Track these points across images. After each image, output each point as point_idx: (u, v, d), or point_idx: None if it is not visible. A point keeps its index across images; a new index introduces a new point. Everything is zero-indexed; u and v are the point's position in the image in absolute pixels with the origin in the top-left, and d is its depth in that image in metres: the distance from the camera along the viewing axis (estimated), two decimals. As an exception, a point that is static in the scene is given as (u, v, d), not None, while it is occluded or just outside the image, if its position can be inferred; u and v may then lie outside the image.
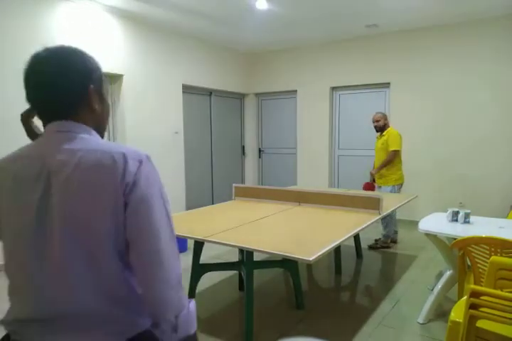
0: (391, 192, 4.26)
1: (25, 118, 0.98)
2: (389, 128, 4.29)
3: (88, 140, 0.83)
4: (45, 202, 0.76)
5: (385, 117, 4.32)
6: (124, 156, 0.78)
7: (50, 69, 0.81)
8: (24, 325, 0.80)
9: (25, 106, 0.93)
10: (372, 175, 4.49)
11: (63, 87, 0.82)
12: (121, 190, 0.76)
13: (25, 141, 1.00)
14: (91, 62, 0.88)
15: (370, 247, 4.37)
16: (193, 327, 0.82)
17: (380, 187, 4.40)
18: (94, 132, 0.88)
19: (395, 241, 4.52)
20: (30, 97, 0.85)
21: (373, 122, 4.34)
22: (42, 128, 0.90)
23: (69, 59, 0.83)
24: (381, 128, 4.30)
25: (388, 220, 4.27)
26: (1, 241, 0.84)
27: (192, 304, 0.84)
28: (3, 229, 0.82)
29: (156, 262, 0.78)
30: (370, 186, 4.52)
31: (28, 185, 0.78)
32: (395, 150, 4.17)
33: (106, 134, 4.91)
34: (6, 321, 0.83)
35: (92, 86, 0.86)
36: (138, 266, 0.79)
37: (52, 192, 0.76)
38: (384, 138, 4.27)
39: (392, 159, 4.19)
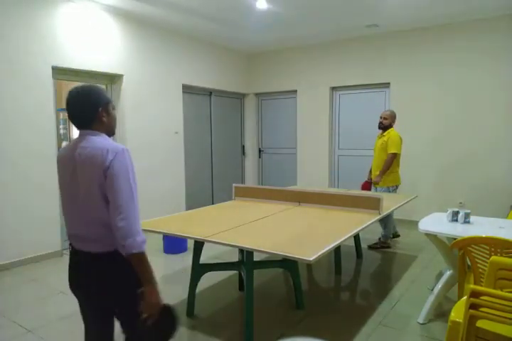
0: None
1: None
2: (390, 129, 4.25)
3: (96, 140, 1.44)
4: (73, 174, 1.45)
5: (393, 117, 4.28)
6: (107, 150, 1.38)
7: (77, 100, 1.46)
8: (70, 237, 1.55)
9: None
10: (370, 174, 4.52)
11: (84, 111, 1.47)
12: (103, 169, 1.37)
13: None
14: (100, 93, 1.49)
15: (370, 247, 4.37)
16: (136, 250, 1.35)
17: (376, 188, 4.39)
18: (103, 134, 1.49)
19: (398, 236, 4.54)
20: (68, 115, 1.50)
21: (380, 118, 4.30)
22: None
23: (87, 94, 1.46)
24: (385, 126, 4.27)
25: (386, 220, 4.27)
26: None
27: (142, 238, 1.38)
28: (59, 185, 1.55)
29: (117, 207, 1.36)
30: (368, 185, 4.52)
31: (66, 164, 1.48)
32: (393, 153, 4.14)
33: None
34: (67, 235, 1.58)
35: (100, 108, 1.47)
36: (110, 209, 1.38)
37: (77, 169, 1.43)
38: (384, 138, 4.24)
39: (391, 162, 4.15)
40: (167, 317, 1.44)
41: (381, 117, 4.30)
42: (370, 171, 4.55)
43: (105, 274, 1.45)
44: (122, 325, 1.53)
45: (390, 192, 4.23)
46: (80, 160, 1.41)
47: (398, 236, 4.59)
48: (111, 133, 1.55)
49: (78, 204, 1.45)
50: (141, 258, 1.37)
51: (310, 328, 2.57)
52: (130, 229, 1.34)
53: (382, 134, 4.32)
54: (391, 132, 4.23)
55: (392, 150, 4.13)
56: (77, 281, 1.53)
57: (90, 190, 1.39)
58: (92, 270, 1.46)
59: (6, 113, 3.63)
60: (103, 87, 4.73)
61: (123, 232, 1.34)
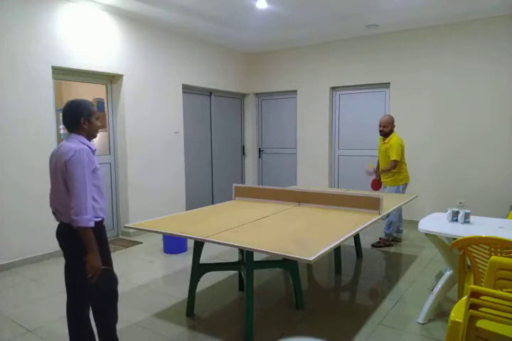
0: (396, 192, 4.27)
1: None
2: (392, 135, 4.28)
3: (71, 141, 1.92)
4: (54, 166, 1.91)
5: (392, 122, 4.29)
6: (71, 149, 1.84)
7: (65, 111, 1.96)
8: (53, 212, 1.99)
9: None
10: (376, 172, 4.57)
11: (70, 119, 1.96)
12: (65, 162, 1.83)
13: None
14: (84, 107, 1.96)
15: (373, 246, 4.37)
16: (82, 224, 1.78)
17: (385, 187, 4.43)
18: (81, 137, 1.96)
19: (399, 241, 4.55)
20: (62, 122, 2.00)
21: (379, 126, 4.31)
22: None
23: (74, 106, 1.96)
24: (386, 134, 4.29)
25: (392, 219, 4.29)
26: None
27: (88, 217, 1.81)
28: (49, 173, 1.97)
29: (71, 192, 1.81)
30: (377, 183, 4.54)
31: (52, 158, 1.95)
32: (395, 161, 4.19)
33: (106, 134, 4.90)
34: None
35: (82, 118, 1.95)
36: (68, 193, 1.83)
37: (56, 162, 1.90)
38: (387, 145, 4.27)
39: (392, 168, 4.24)
40: (108, 276, 1.87)
41: (380, 125, 4.31)
42: (378, 169, 4.59)
43: (70, 239, 1.90)
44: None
45: (400, 191, 4.29)
46: (57, 155, 1.89)
47: (398, 241, 4.56)
48: (92, 137, 2.02)
49: (54, 188, 1.93)
50: (85, 231, 1.79)
51: (310, 328, 2.57)
52: (79, 208, 1.78)
53: (383, 140, 4.36)
54: (392, 139, 4.25)
55: (393, 158, 4.20)
56: (59, 242, 1.99)
57: (58, 178, 1.87)
58: (64, 235, 1.94)
59: (5, 113, 3.62)
60: (105, 86, 4.73)
61: (74, 211, 1.78)
